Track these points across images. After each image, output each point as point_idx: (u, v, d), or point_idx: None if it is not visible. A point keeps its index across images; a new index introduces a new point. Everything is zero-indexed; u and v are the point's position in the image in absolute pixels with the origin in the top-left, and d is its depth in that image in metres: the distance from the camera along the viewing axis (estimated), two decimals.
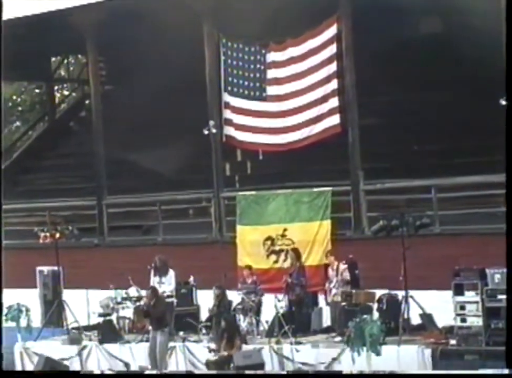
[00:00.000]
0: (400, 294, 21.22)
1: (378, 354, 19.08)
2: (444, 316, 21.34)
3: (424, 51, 28.06)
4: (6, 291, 26.86)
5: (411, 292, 21.07)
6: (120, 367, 22.64)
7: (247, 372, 19.73)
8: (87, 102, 37.35)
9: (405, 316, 21.16)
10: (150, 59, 32.08)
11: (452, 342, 20.36)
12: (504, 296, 19.14)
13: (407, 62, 28.42)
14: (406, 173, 24.08)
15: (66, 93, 47.18)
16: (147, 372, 20.61)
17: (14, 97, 49.28)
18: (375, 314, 21.12)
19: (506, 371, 16.97)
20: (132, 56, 32.76)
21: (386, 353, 19.35)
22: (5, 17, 27.03)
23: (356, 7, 24.25)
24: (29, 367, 23.71)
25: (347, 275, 22.07)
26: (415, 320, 21.50)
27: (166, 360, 22.15)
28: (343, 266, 22.29)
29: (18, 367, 24.38)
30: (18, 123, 48.57)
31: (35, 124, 44.11)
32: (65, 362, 23.04)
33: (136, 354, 22.94)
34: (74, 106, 41.99)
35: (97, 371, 20.82)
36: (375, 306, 21.48)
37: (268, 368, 20.51)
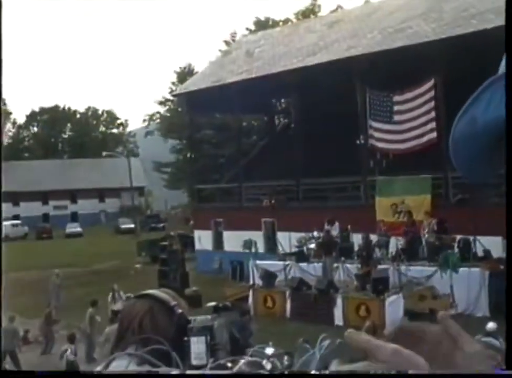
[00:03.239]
0: (471, 238, 21.10)
1: (457, 272, 19.26)
2: (497, 251, 21.19)
3: None
4: (245, 233, 27.93)
5: (478, 237, 21.04)
6: (309, 277, 22.25)
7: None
8: (292, 125, 37.40)
9: (473, 250, 21.10)
10: (324, 102, 32.21)
11: (502, 267, 20.22)
12: None
13: None
14: None
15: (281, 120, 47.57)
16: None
17: (244, 123, 49.92)
18: (456, 249, 21.06)
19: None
20: (314, 99, 32.74)
21: (462, 272, 19.49)
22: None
23: (448, 69, 24.06)
24: (256, 274, 23.69)
25: (434, 226, 22.16)
26: (480, 253, 21.20)
27: (332, 274, 22.12)
28: (433, 221, 22.39)
29: (250, 275, 24.42)
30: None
31: (260, 140, 44.69)
32: (277, 273, 22.91)
33: (316, 269, 22.83)
34: (283, 128, 42.38)
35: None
36: (456, 244, 21.30)
37: (391, 280, 20.11)
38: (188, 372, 1.71)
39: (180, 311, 2.22)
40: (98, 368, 1.94)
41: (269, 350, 1.70)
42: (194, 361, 1.98)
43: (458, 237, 21.33)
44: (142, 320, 2.31)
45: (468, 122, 1.01)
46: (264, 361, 1.54)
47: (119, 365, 1.92)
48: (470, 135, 1.01)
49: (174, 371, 1.65)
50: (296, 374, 1.50)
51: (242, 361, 1.55)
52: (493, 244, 20.82)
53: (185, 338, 2.06)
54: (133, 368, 1.93)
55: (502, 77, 0.97)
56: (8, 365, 16.12)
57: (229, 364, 1.59)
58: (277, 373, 1.61)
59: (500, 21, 22.92)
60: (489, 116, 0.97)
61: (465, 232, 20.97)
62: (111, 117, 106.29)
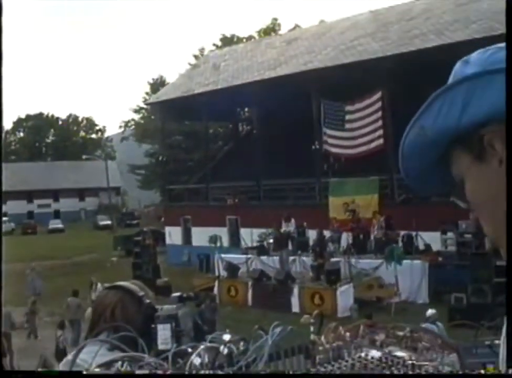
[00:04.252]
0: (413, 233, 21.14)
1: (401, 264, 19.24)
2: (436, 244, 21.41)
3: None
4: (211, 229, 27.65)
5: (419, 233, 21.11)
6: (269, 269, 21.87)
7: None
8: (254, 131, 36.03)
9: (415, 245, 21.18)
10: (283, 111, 31.92)
11: (440, 259, 20.47)
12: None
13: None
14: None
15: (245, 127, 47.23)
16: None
17: (211, 130, 49.76)
18: (400, 243, 21.10)
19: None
20: (274, 109, 32.31)
21: (405, 264, 19.44)
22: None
23: (394, 82, 24.19)
24: (221, 266, 23.16)
25: (383, 223, 22.16)
26: (421, 247, 21.34)
27: (290, 266, 21.89)
28: (381, 218, 22.42)
29: (216, 267, 23.57)
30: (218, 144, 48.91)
31: (225, 145, 44.29)
32: (240, 265, 22.53)
33: (276, 262, 22.54)
34: (246, 135, 41.97)
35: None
36: (400, 239, 21.38)
37: (343, 271, 19.95)
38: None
39: (147, 301, 2.21)
40: (72, 353, 1.91)
41: (226, 337, 1.68)
42: (160, 346, 1.98)
43: (402, 232, 21.36)
44: (114, 309, 2.30)
45: (418, 133, 0.95)
46: (221, 347, 1.53)
47: (91, 350, 1.89)
48: (420, 145, 0.96)
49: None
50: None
51: (202, 346, 1.53)
52: (433, 239, 21.24)
53: (153, 326, 2.05)
54: (104, 353, 1.90)
55: (450, 88, 0.92)
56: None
57: (189, 349, 1.58)
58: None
59: (441, 41, 23.34)
60: (438, 125, 0.92)
61: (408, 228, 21.04)
62: (90, 124, 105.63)
